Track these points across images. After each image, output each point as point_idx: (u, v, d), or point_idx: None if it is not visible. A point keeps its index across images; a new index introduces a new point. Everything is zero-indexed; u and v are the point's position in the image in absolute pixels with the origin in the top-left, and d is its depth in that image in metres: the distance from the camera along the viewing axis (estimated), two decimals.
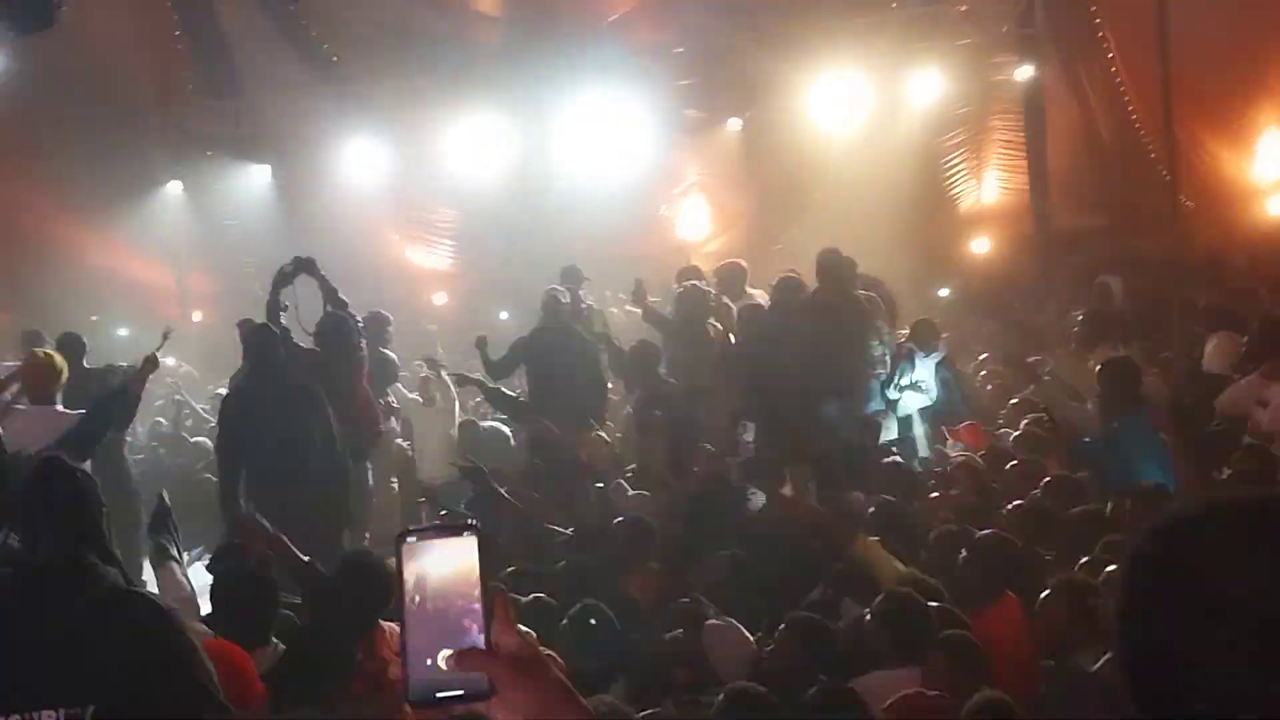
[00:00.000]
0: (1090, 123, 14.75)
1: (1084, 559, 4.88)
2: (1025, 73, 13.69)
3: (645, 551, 5.75)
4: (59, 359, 6.80)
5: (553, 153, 15.27)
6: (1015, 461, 6.97)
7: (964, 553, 5.05)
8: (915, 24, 13.70)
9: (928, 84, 14.08)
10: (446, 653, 1.29)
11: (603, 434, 8.61)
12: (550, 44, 14.31)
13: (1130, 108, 14.04)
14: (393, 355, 9.47)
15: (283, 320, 7.75)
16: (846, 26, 13.53)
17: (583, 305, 10.23)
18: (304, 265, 7.96)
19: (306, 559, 4.58)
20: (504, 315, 15.02)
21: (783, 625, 4.37)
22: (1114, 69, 13.94)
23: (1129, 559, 1.24)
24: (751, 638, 4.54)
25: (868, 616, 4.37)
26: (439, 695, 1.29)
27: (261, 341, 7.14)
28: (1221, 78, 13.12)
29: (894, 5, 14.08)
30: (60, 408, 6.57)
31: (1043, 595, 4.37)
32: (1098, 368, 7.16)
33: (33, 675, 2.24)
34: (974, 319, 13.00)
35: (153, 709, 2.28)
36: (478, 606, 1.31)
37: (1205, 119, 13.57)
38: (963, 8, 13.77)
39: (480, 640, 1.31)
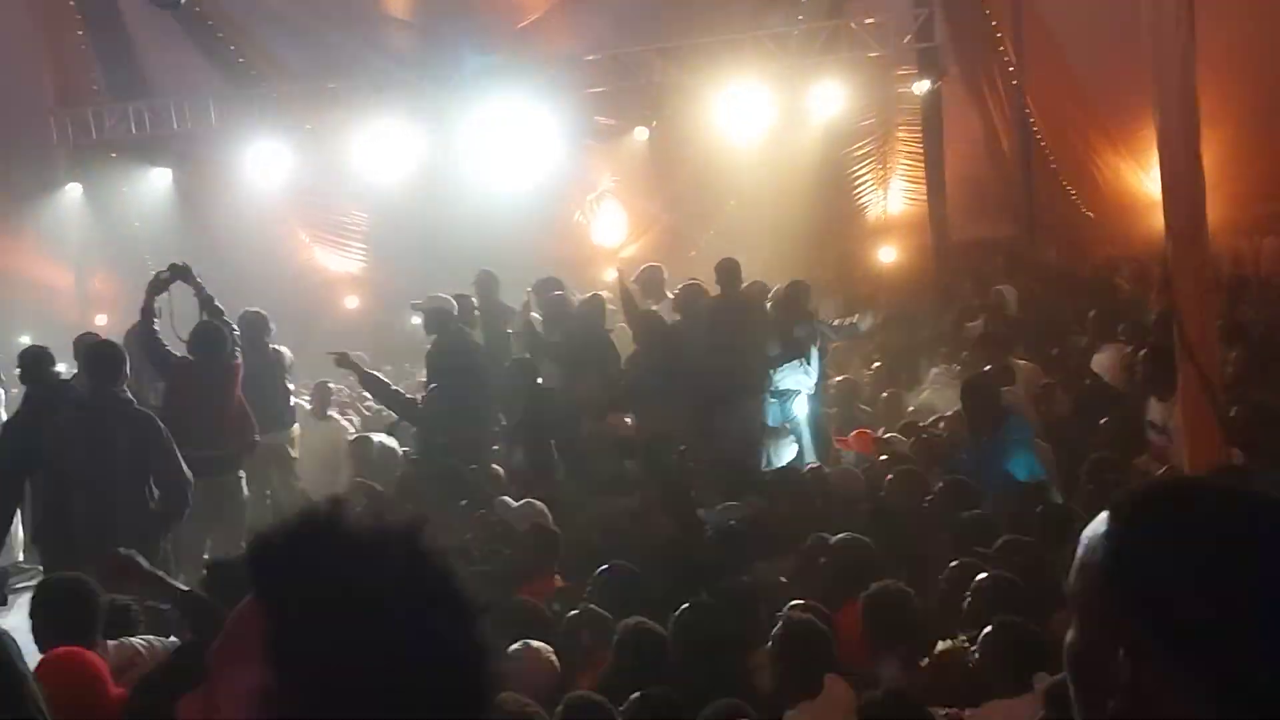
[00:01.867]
0: (991, 134, 15.10)
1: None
2: (923, 86, 13.95)
3: (549, 561, 5.84)
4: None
5: (465, 157, 15.25)
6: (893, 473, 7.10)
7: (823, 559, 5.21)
8: (819, 37, 13.90)
9: (833, 95, 14.29)
10: None
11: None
12: (461, 49, 14.30)
13: (1030, 119, 14.39)
14: (285, 350, 9.39)
15: (156, 326, 7.67)
16: (751, 39, 13.69)
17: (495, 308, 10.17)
18: (180, 272, 7.86)
19: (184, 588, 4.51)
20: (416, 320, 14.97)
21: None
22: (1014, 80, 14.27)
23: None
24: (556, 663, 4.54)
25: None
26: None
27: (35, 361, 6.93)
28: (1118, 88, 13.48)
29: (799, 18, 14.27)
30: None
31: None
32: (961, 386, 7.34)
33: None
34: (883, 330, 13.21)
35: None
36: None
37: (1103, 130, 13.95)
38: (867, 20, 14.00)
39: None
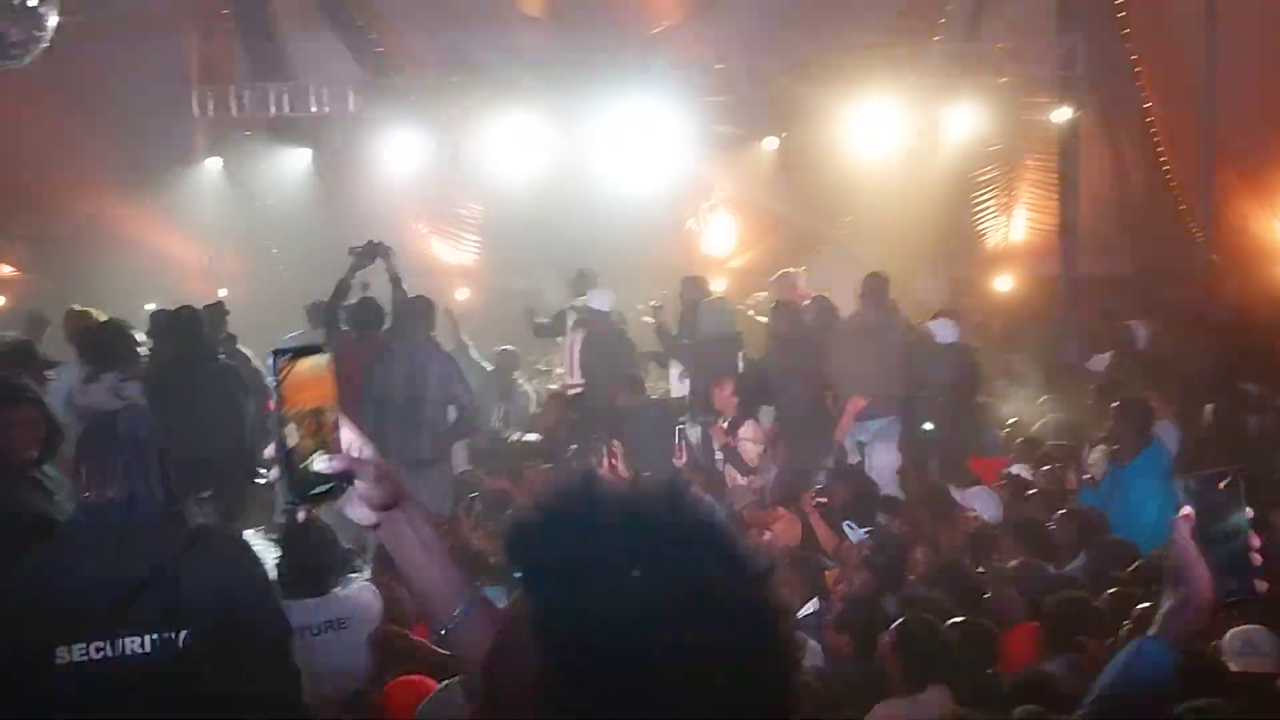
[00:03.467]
0: (1122, 170, 14.87)
1: None
2: (1063, 115, 13.80)
3: None
4: (93, 316, 6.95)
5: (585, 157, 15.37)
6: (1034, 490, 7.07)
7: None
8: (956, 58, 13.81)
9: (963, 118, 14.19)
10: (322, 456, 1.52)
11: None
12: (593, 50, 14.43)
13: (1163, 159, 14.16)
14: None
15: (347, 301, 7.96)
16: (887, 55, 13.64)
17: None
18: (378, 250, 8.15)
19: None
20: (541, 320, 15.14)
21: None
22: (1150, 119, 14.06)
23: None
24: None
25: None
26: (313, 492, 1.52)
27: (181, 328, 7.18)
28: (1255, 134, 13.23)
29: (936, 39, 14.19)
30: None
31: None
32: (1113, 405, 7.23)
33: (134, 606, 2.37)
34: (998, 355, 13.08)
35: (239, 631, 2.43)
36: (335, 417, 1.54)
37: (1236, 174, 13.69)
38: (1003, 46, 13.88)
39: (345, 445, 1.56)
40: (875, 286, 8.68)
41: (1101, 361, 10.46)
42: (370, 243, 8.26)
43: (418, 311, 7.96)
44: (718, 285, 15.48)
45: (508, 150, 15.05)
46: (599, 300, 9.66)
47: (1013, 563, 5.48)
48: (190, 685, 2.70)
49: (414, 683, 3.87)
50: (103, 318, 7.04)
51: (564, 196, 15.40)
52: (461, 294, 18.64)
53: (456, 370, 7.90)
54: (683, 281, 10.37)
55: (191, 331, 7.06)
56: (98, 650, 2.58)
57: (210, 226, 15.88)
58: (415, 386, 7.58)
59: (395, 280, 8.24)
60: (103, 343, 6.74)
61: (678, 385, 9.89)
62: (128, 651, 2.57)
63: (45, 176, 15.39)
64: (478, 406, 8.19)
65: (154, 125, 14.66)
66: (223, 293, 16.51)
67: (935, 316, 9.16)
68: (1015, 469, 8.24)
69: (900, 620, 4.33)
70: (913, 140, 14.25)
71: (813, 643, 4.76)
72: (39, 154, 14.95)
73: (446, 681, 3.64)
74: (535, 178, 15.29)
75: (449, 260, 18.60)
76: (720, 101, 14.69)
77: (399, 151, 15.13)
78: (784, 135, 15.50)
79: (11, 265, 18.72)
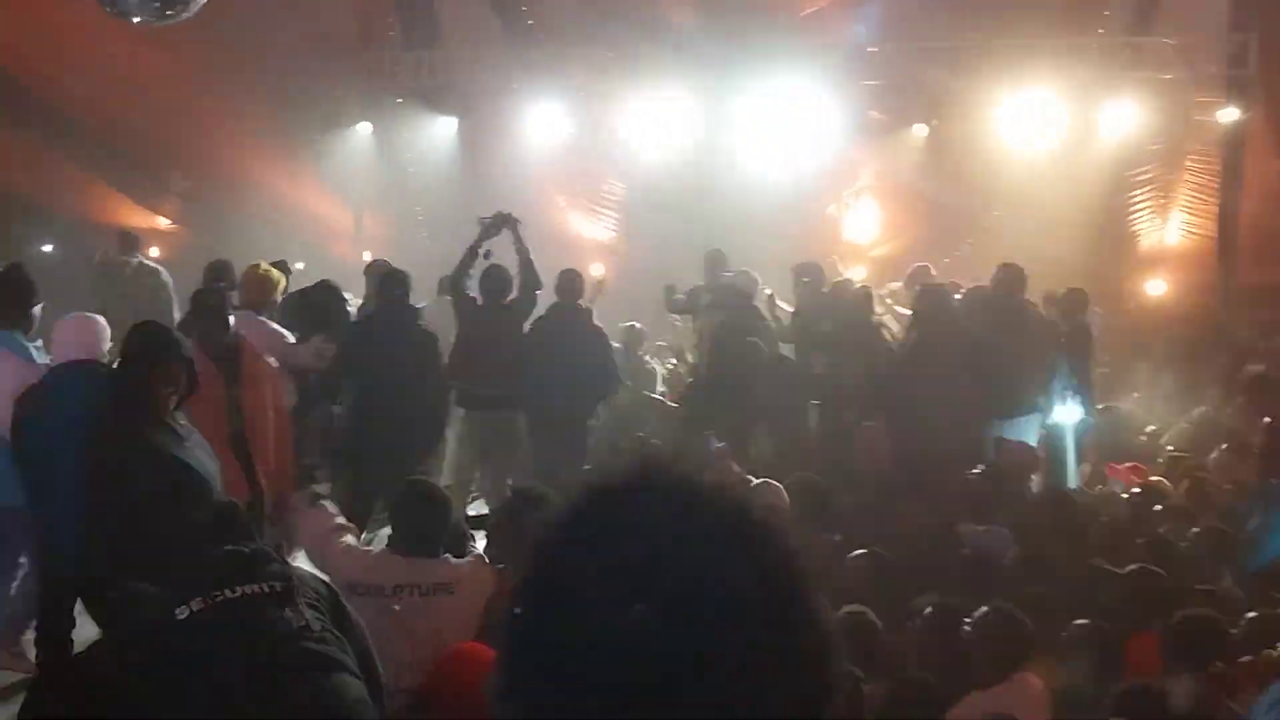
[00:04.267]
0: None
1: None
2: (1230, 115, 13.20)
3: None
4: (276, 274, 7.16)
5: (729, 138, 15.27)
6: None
7: None
8: (1119, 51, 13.31)
9: (1123, 114, 13.69)
10: None
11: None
12: (743, 29, 14.31)
13: None
14: None
15: (471, 273, 8.07)
16: (1048, 45, 13.21)
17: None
18: (506, 221, 8.26)
19: None
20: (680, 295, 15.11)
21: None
22: None
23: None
24: None
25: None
26: None
27: (390, 285, 7.43)
28: None
29: (1100, 31, 13.70)
30: (265, 320, 6.87)
31: None
32: (1266, 422, 6.94)
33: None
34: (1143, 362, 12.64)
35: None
36: None
37: None
38: (1171, 41, 13.33)
39: None
40: (1010, 276, 8.43)
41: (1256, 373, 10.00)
42: (499, 214, 8.39)
43: (570, 279, 8.50)
44: (856, 273, 15.28)
45: (651, 128, 15.03)
46: (743, 281, 9.58)
47: (1131, 567, 5.29)
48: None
49: (474, 649, 3.85)
50: (280, 277, 7.28)
51: (705, 177, 15.33)
52: (596, 269, 18.75)
53: (603, 337, 8.53)
54: (800, 267, 10.09)
55: (399, 293, 7.34)
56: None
57: (358, 190, 16.24)
58: (567, 352, 8.08)
59: (522, 251, 8.33)
60: (318, 305, 7.21)
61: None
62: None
63: (203, 133, 15.93)
64: (618, 371, 8.70)
65: (309, 88, 15.02)
66: (367, 256, 16.94)
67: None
68: (1153, 478, 7.97)
69: (985, 610, 4.32)
70: (1069, 134, 13.79)
71: None
72: (198, 111, 15.47)
73: None
74: (677, 157, 15.25)
75: (585, 235, 18.71)
76: (871, 86, 14.43)
77: (543, 124, 15.25)
78: (935, 123, 15.14)
79: (167, 218, 19.46)
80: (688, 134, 15.12)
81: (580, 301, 8.66)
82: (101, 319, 5.40)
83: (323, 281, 7.90)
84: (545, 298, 8.57)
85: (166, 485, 3.99)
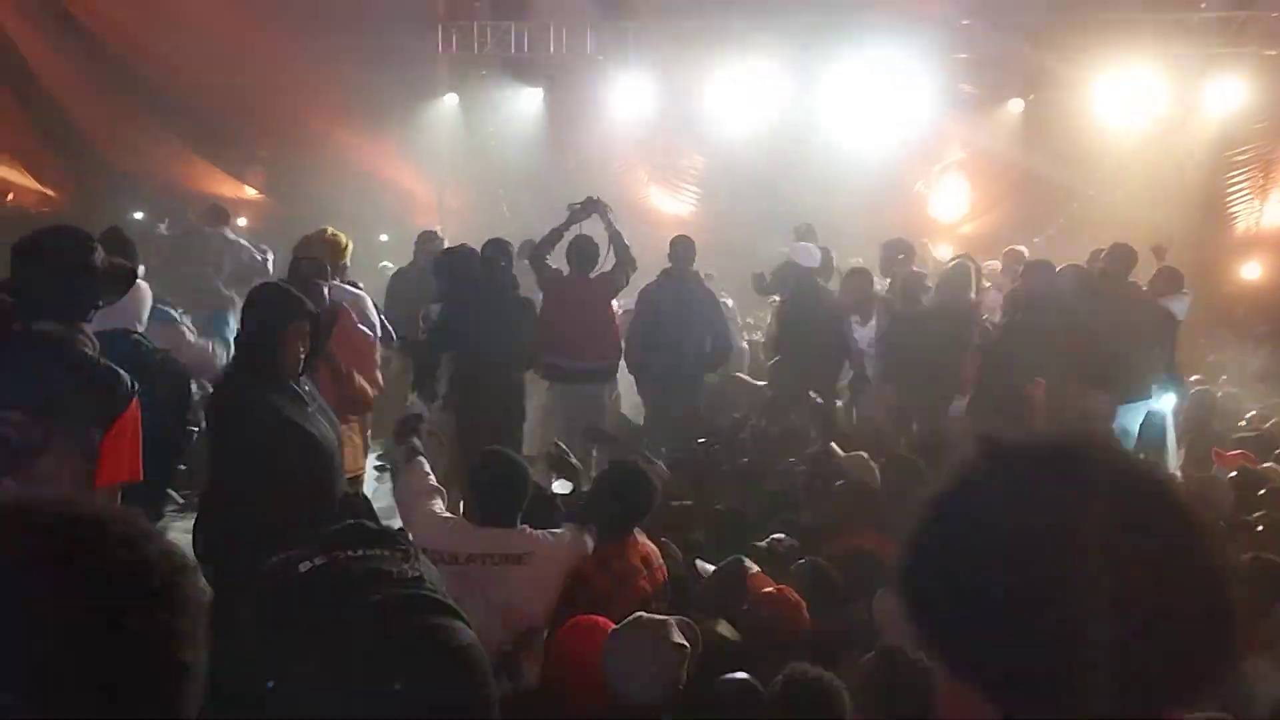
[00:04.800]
0: None
1: None
2: None
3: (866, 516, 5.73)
4: (344, 238, 7.18)
5: (815, 112, 15.07)
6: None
7: None
8: (1223, 26, 12.90)
9: (1225, 92, 13.27)
10: None
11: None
12: (832, 1, 14.10)
13: None
14: None
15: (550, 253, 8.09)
16: (1149, 20, 12.85)
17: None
18: (595, 206, 8.22)
19: None
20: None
21: None
22: None
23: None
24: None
25: None
26: None
27: (492, 254, 7.43)
28: None
29: (1203, 5, 13.29)
30: (335, 282, 6.87)
31: None
32: None
33: None
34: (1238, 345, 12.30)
35: None
36: None
37: None
38: (1278, 15, 12.90)
39: None
40: (1122, 255, 8.17)
41: None
42: (589, 199, 8.35)
43: (684, 245, 8.68)
44: (943, 252, 14.99)
45: (736, 101, 14.88)
46: (804, 256, 9.34)
47: (1246, 556, 5.10)
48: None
49: (593, 622, 3.80)
50: (349, 241, 7.31)
51: (789, 151, 15.14)
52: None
53: (715, 301, 8.65)
54: (891, 244, 9.89)
55: (504, 262, 7.38)
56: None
57: (441, 161, 16.28)
58: (679, 314, 8.34)
59: (614, 235, 8.29)
60: (452, 265, 7.40)
61: None
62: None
63: (291, 104, 16.06)
64: (730, 336, 8.86)
65: (398, 59, 15.07)
66: (436, 227, 17.04)
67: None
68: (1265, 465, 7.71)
69: None
70: (1169, 111, 13.41)
71: None
72: (287, 81, 15.60)
73: (647, 617, 3.56)
74: (762, 130, 15.09)
75: (665, 209, 18.62)
76: (963, 60, 14.14)
77: (628, 96, 15.17)
78: (1031, 97, 14.79)
79: (254, 187, 19.69)
80: (773, 107, 14.95)
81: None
82: (145, 286, 5.34)
83: (461, 246, 7.90)
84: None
85: (286, 452, 3.96)
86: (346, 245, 7.16)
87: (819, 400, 7.80)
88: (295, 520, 3.14)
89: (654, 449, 7.77)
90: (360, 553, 2.60)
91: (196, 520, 4.22)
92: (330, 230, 7.26)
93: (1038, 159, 14.87)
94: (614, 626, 3.51)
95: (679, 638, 3.36)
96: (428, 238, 10.47)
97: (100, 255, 3.31)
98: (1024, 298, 8.28)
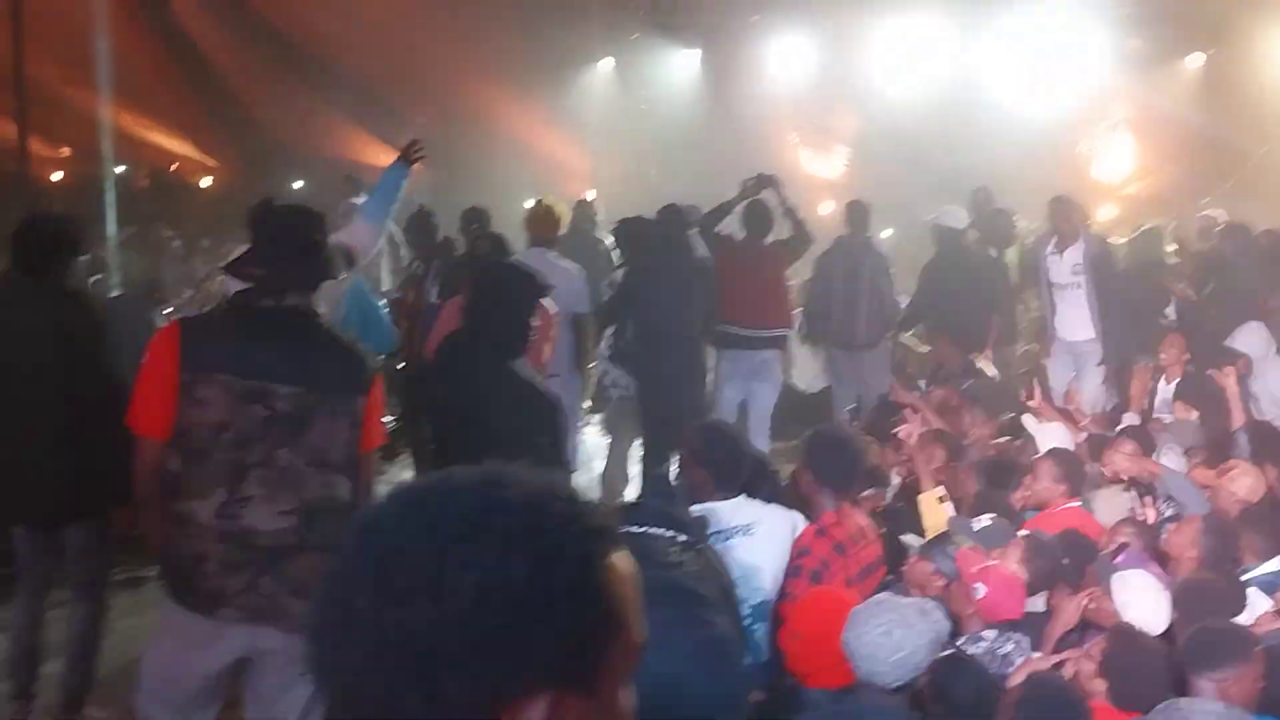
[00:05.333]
0: None
1: None
2: None
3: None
4: (562, 208, 7.21)
5: (975, 70, 14.62)
6: None
7: None
8: None
9: None
10: None
11: None
12: None
13: None
14: None
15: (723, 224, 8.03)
16: None
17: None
18: (767, 181, 8.12)
19: None
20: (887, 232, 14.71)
21: None
22: None
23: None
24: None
25: None
26: None
27: (672, 222, 7.36)
28: None
29: None
30: (552, 255, 6.91)
31: None
32: None
33: None
34: None
35: None
36: None
37: None
38: None
39: None
40: None
41: None
42: (762, 175, 8.24)
43: (860, 210, 8.80)
44: (1108, 213, 14.46)
45: (895, 60, 14.54)
46: (951, 218, 9.11)
47: None
48: None
49: (835, 596, 3.73)
50: (565, 212, 7.37)
51: (948, 110, 14.73)
52: (825, 207, 18.39)
53: (886, 264, 8.65)
54: (1055, 202, 9.52)
55: (676, 226, 7.34)
56: None
57: (594, 127, 16.26)
58: (852, 278, 8.39)
59: (789, 210, 8.18)
60: (626, 234, 7.50)
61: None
62: None
63: (445, 69, 16.23)
64: (898, 303, 8.81)
65: (553, 25, 15.08)
66: (591, 194, 17.06)
67: None
68: None
69: None
70: None
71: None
72: (443, 49, 15.76)
73: (897, 597, 3.47)
74: (921, 90, 14.72)
75: (814, 172, 18.35)
76: (1133, 13, 13.54)
77: (784, 57, 14.93)
78: (1213, 52, 14.08)
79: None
80: (933, 66, 14.56)
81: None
82: None
83: (670, 206, 7.88)
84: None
85: (543, 421, 3.96)
86: (561, 216, 7.18)
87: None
88: None
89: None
90: (641, 530, 2.58)
91: None
92: (545, 202, 7.28)
93: (1215, 117, 14.18)
94: (859, 603, 3.44)
95: (930, 621, 3.29)
96: (585, 206, 10.52)
97: (329, 233, 3.37)
98: (1218, 263, 7.93)
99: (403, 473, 7.85)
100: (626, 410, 7.40)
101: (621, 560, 1.03)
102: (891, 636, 3.23)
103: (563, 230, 7.29)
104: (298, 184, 16.92)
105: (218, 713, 3.36)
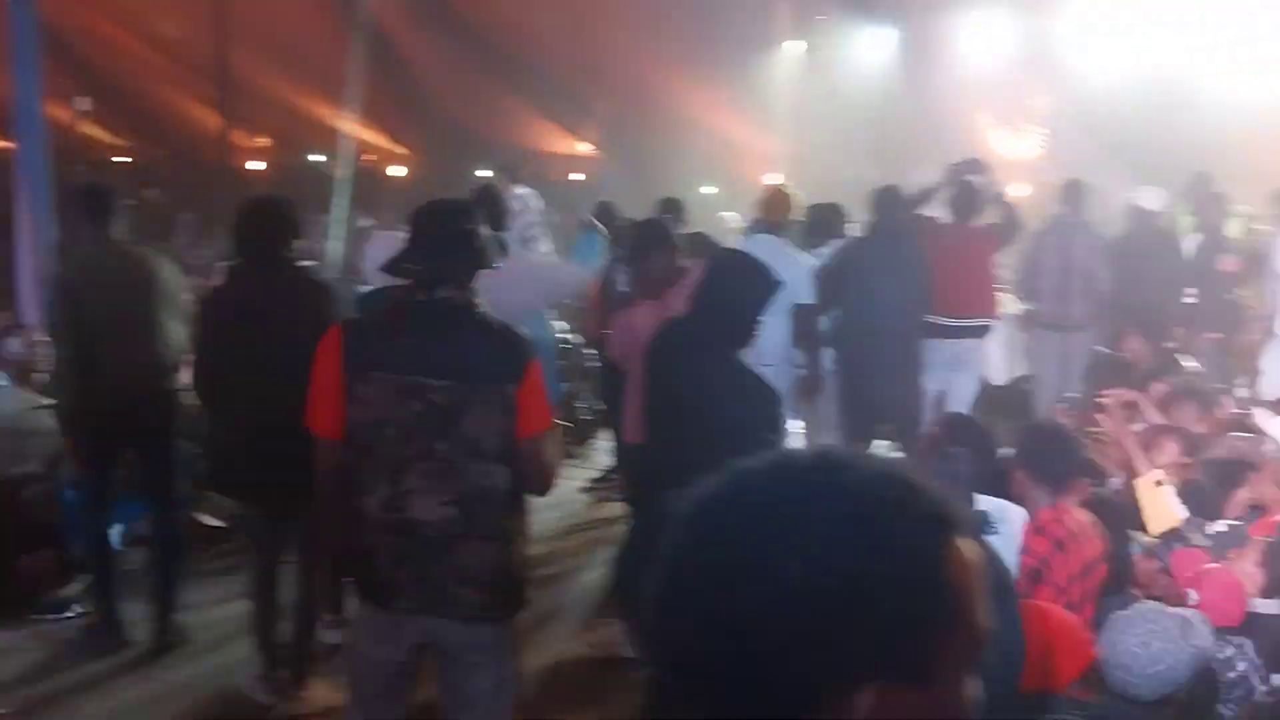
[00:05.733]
0: None
1: None
2: None
3: None
4: (793, 192, 7.04)
5: (1180, 48, 13.86)
6: None
7: None
8: None
9: None
10: None
11: None
12: None
13: None
14: None
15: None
16: None
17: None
18: (974, 166, 7.85)
19: None
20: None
21: None
22: None
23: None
24: None
25: None
26: None
27: (886, 204, 7.15)
28: None
29: None
30: (780, 241, 6.73)
31: None
32: None
33: None
34: None
35: None
36: None
37: None
38: None
39: None
40: None
41: None
42: (969, 159, 7.96)
43: (1076, 188, 8.65)
44: None
45: (1094, 38, 13.90)
46: (1148, 198, 8.95)
47: None
48: None
49: (1044, 609, 3.48)
50: (796, 196, 7.22)
51: (1154, 90, 14.01)
52: (1019, 189, 17.75)
53: (1101, 244, 8.49)
54: None
55: (900, 213, 7.16)
56: None
57: (780, 111, 16.04)
58: (1066, 257, 8.30)
59: (998, 196, 7.90)
60: (820, 217, 7.27)
61: None
62: None
63: (628, 56, 16.25)
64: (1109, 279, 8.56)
65: (738, 9, 14.93)
66: (775, 178, 16.84)
67: None
68: None
69: None
70: None
71: None
72: (625, 34, 15.79)
73: (1160, 607, 3.22)
74: (1119, 69, 14.04)
75: (1005, 154, 17.75)
76: None
77: (980, 34, 14.44)
78: None
79: (589, 143, 20.18)
80: (1135, 45, 13.86)
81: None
82: None
83: (888, 187, 7.73)
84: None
85: (773, 420, 3.86)
86: (792, 200, 7.02)
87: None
88: None
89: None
90: None
91: None
92: (781, 185, 7.17)
93: None
94: (1121, 614, 3.24)
95: (1193, 636, 3.06)
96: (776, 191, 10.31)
97: (484, 225, 3.39)
98: None
99: (603, 459, 7.88)
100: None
101: (964, 548, 0.98)
102: (1150, 648, 3.05)
103: (794, 214, 7.08)
104: (484, 172, 17.21)
105: (405, 702, 3.43)
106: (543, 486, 3.29)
